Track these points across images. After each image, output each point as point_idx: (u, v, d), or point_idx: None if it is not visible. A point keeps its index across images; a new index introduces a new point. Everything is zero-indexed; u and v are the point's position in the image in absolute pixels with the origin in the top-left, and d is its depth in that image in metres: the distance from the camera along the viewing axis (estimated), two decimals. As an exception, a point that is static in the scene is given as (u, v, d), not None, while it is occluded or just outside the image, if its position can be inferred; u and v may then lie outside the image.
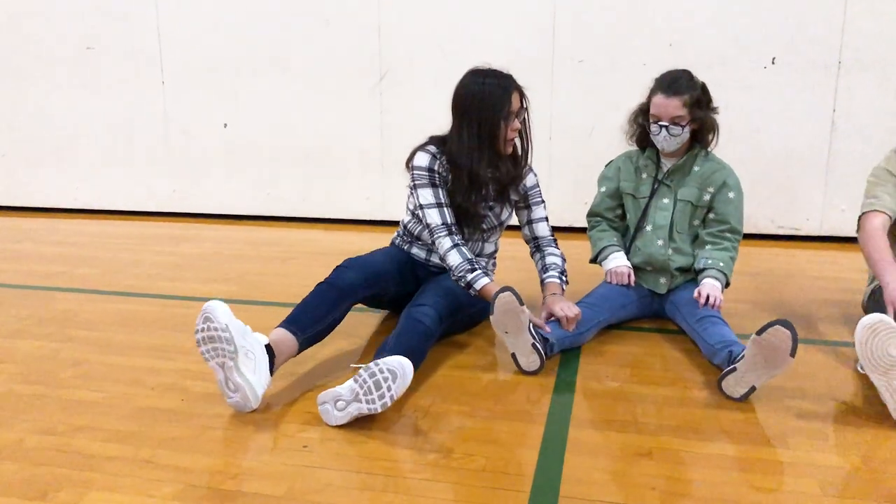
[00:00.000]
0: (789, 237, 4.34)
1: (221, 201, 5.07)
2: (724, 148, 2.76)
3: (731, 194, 2.60)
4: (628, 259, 2.70)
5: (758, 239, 4.28)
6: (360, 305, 2.54)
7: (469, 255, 2.42)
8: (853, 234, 2.49)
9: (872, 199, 2.44)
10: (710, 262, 2.55)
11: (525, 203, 2.68)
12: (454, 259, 2.41)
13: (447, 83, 2.55)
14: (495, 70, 2.45)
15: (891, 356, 1.92)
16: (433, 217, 2.46)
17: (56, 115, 5.19)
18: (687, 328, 2.52)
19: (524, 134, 2.54)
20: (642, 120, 2.61)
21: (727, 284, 2.57)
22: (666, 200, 2.64)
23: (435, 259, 2.65)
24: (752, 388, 2.04)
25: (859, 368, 2.22)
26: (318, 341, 2.27)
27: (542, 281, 2.63)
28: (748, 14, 4.07)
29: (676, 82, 2.48)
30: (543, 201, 2.72)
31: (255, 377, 1.98)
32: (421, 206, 2.48)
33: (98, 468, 1.73)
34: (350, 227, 4.79)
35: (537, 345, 2.24)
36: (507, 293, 2.17)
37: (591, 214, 2.83)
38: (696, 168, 2.61)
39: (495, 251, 2.74)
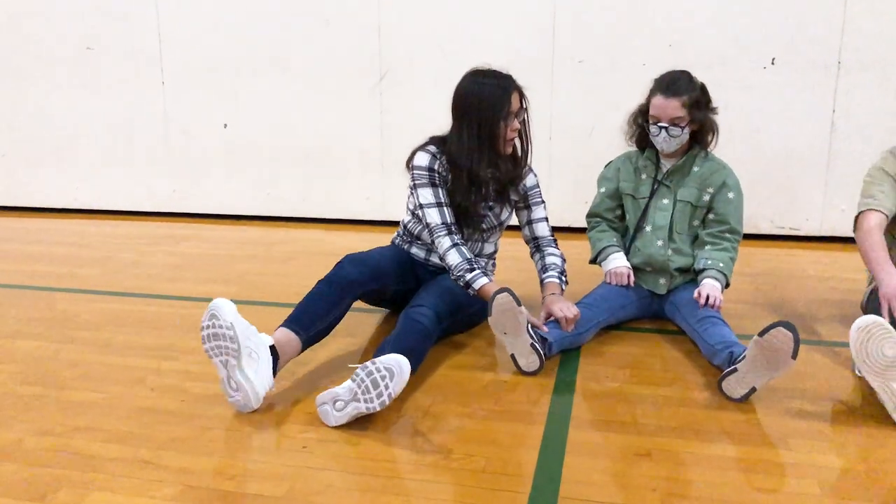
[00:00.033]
0: (789, 237, 4.34)
1: (221, 201, 5.07)
2: (723, 148, 2.76)
3: (730, 195, 2.60)
4: (628, 260, 2.70)
5: (758, 239, 4.28)
6: (359, 306, 2.55)
7: (468, 255, 2.42)
8: (853, 233, 2.50)
9: (869, 198, 2.45)
10: (709, 262, 2.55)
11: (525, 203, 2.69)
12: (453, 258, 2.42)
13: (447, 83, 2.55)
14: (495, 70, 2.46)
15: (886, 357, 1.92)
16: (433, 216, 2.46)
17: (56, 115, 5.18)
18: (687, 329, 2.52)
19: (524, 134, 2.54)
20: (642, 121, 2.61)
21: (727, 285, 2.57)
22: (665, 201, 2.64)
23: (434, 259, 2.65)
24: (753, 389, 2.04)
25: (857, 372, 2.22)
26: (321, 339, 2.27)
27: (541, 281, 2.63)
28: (748, 14, 4.06)
29: (676, 83, 2.47)
30: (543, 201, 2.72)
31: (257, 377, 1.99)
32: (421, 206, 2.48)
33: (98, 469, 1.73)
34: (350, 227, 4.79)
35: (536, 345, 2.24)
36: (505, 294, 2.17)
37: (590, 215, 2.83)
38: (695, 168, 2.61)
39: (495, 251, 2.74)
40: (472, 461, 1.77)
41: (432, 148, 2.51)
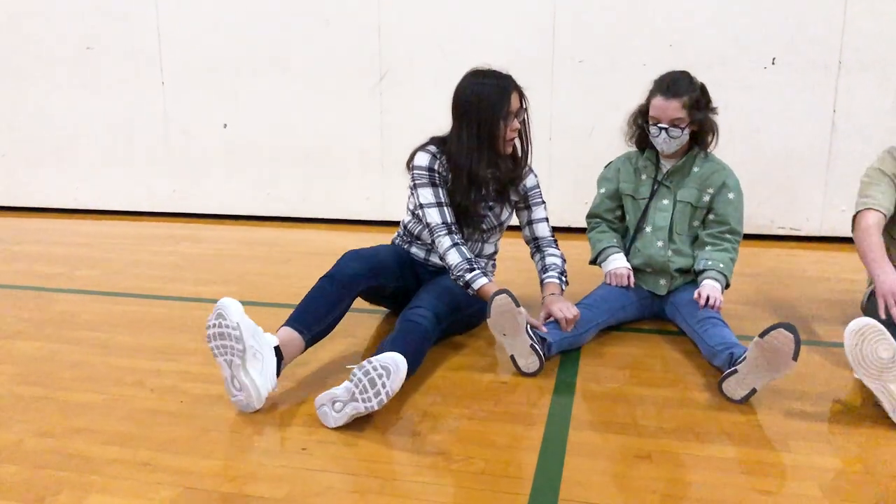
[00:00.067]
0: (789, 237, 4.34)
1: (221, 201, 5.07)
2: (723, 148, 2.75)
3: (730, 195, 2.59)
4: (628, 260, 2.69)
5: (758, 239, 4.28)
6: (359, 306, 2.54)
7: (468, 255, 2.42)
8: (851, 233, 2.51)
9: (866, 197, 2.46)
10: (709, 263, 2.55)
11: (525, 204, 2.69)
12: (453, 258, 2.42)
13: (447, 83, 2.55)
14: (494, 70, 2.46)
15: (882, 359, 1.92)
16: (433, 216, 2.46)
17: (56, 115, 5.18)
18: (687, 329, 2.52)
19: (524, 134, 2.54)
20: (641, 121, 2.61)
21: (727, 285, 2.56)
22: (665, 202, 2.63)
23: (434, 259, 2.65)
24: (753, 391, 2.04)
25: (856, 375, 2.22)
26: (323, 337, 2.28)
27: (541, 281, 2.63)
28: (748, 14, 4.06)
29: (676, 84, 2.47)
30: (544, 202, 2.72)
31: (261, 378, 1.99)
32: (421, 206, 2.48)
33: (97, 471, 1.73)
34: (350, 227, 4.78)
35: (536, 346, 2.24)
36: (503, 295, 2.17)
37: (590, 216, 2.83)
38: (695, 169, 2.61)
39: (495, 252, 2.74)
40: (471, 463, 1.76)
41: (432, 148, 2.52)
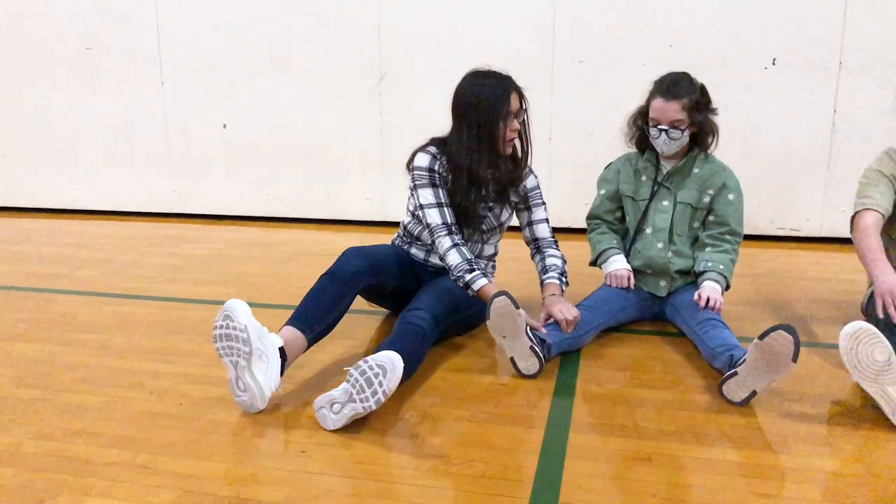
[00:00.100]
0: (789, 238, 4.33)
1: (221, 202, 5.06)
2: (724, 149, 2.75)
3: (730, 196, 2.59)
4: (628, 262, 2.69)
5: (758, 240, 4.27)
6: (358, 307, 2.54)
7: (468, 256, 2.42)
8: (850, 234, 2.51)
9: (865, 198, 2.46)
10: (710, 264, 2.55)
11: (525, 205, 2.68)
12: (453, 258, 2.42)
13: (447, 83, 2.55)
14: (494, 71, 2.46)
15: (877, 362, 1.91)
16: (433, 217, 2.46)
17: (56, 115, 5.18)
18: (687, 331, 2.51)
19: (524, 135, 2.54)
20: (641, 123, 2.60)
21: (727, 287, 2.56)
22: (665, 203, 2.63)
23: (433, 259, 2.65)
24: (753, 393, 2.03)
25: (853, 379, 2.21)
26: (325, 335, 2.28)
27: (541, 282, 2.63)
28: (748, 14, 4.05)
29: (676, 86, 2.46)
30: (544, 203, 2.72)
31: (265, 379, 2.00)
32: (421, 206, 2.48)
33: (96, 474, 1.72)
34: (350, 227, 4.78)
35: (535, 348, 2.23)
36: (503, 297, 2.16)
37: (590, 217, 2.82)
38: (695, 170, 2.60)
39: (495, 254, 2.74)
40: (471, 466, 1.76)
41: (432, 149, 2.52)
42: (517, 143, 2.55)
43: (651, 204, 2.65)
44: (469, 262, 2.41)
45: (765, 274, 3.54)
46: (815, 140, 4.14)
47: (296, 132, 4.82)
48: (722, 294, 2.51)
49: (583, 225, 2.92)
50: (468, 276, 2.39)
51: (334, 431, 1.92)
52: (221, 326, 1.97)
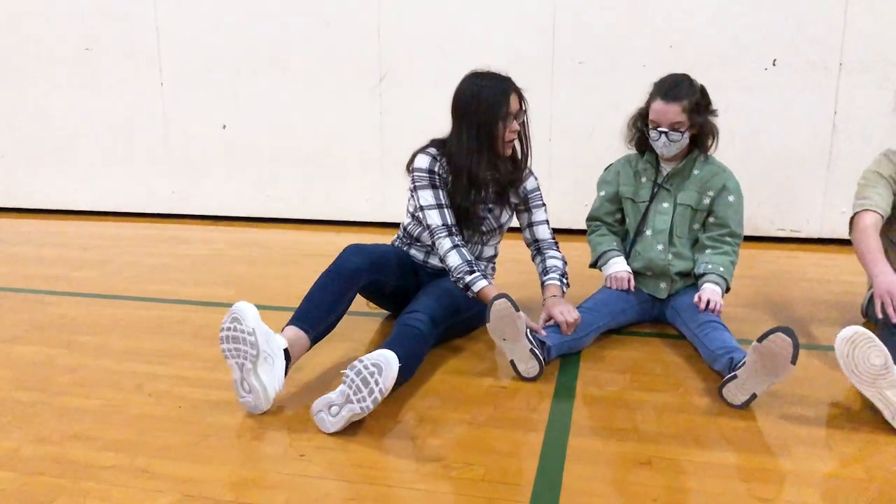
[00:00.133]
0: (789, 239, 4.33)
1: (221, 202, 5.06)
2: (724, 149, 2.74)
3: (730, 198, 2.58)
4: (628, 264, 2.68)
5: (758, 241, 4.27)
6: (357, 309, 2.53)
7: (469, 257, 2.42)
8: (849, 235, 2.50)
9: (863, 199, 2.46)
10: (710, 266, 2.54)
11: (525, 206, 2.68)
12: (454, 260, 2.42)
13: (447, 83, 2.54)
14: (494, 72, 2.46)
15: (874, 366, 1.91)
16: (433, 218, 2.46)
17: (56, 115, 5.17)
18: (687, 333, 2.51)
19: (523, 136, 2.54)
20: (641, 125, 2.60)
21: (727, 289, 2.56)
22: (665, 205, 2.62)
23: (433, 261, 2.65)
24: (754, 396, 2.03)
25: (851, 383, 2.21)
26: (327, 334, 2.27)
27: (542, 283, 2.62)
28: (748, 14, 4.05)
29: (676, 88, 2.46)
30: (544, 204, 2.71)
31: (270, 380, 2.00)
32: (421, 208, 2.48)
33: (95, 477, 1.72)
34: (350, 228, 4.78)
35: (536, 350, 2.23)
36: (503, 300, 2.16)
37: (590, 219, 2.82)
38: (695, 172, 2.60)
39: (495, 255, 2.73)
40: (470, 469, 1.76)
41: (432, 150, 2.52)
42: (517, 144, 2.55)
43: (651, 206, 2.65)
44: (469, 263, 2.41)
45: (765, 275, 3.54)
46: (815, 140, 4.13)
47: (296, 132, 4.81)
48: (722, 296, 2.51)
49: (582, 226, 2.92)
50: (468, 278, 2.39)
51: (333, 435, 1.91)
52: (229, 329, 1.97)
